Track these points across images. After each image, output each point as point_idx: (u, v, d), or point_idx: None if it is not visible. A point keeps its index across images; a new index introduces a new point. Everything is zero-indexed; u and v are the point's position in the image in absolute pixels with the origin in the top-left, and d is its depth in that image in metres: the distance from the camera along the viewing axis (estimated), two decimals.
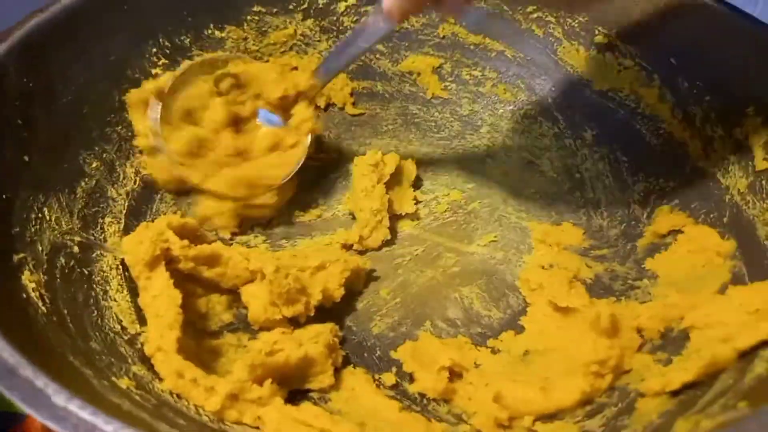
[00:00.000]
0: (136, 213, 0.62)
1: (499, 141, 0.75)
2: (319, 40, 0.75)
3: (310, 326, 0.56)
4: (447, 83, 0.77)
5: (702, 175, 0.61)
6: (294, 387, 0.52)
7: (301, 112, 0.66)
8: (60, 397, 0.33)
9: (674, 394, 0.44)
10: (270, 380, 0.48)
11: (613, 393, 0.49)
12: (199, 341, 0.53)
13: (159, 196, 0.65)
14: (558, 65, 0.72)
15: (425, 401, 0.53)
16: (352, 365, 0.56)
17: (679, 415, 0.41)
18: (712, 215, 0.59)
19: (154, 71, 0.67)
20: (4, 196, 0.50)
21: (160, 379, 0.47)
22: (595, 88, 0.70)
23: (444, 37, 0.76)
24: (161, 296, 0.51)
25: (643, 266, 0.61)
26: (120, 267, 0.56)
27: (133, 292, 0.55)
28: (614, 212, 0.66)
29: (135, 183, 0.64)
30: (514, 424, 0.49)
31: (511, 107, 0.75)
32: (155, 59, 0.67)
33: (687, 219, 0.60)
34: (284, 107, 0.67)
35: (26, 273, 0.47)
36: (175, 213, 0.65)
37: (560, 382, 0.49)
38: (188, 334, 0.51)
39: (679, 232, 0.60)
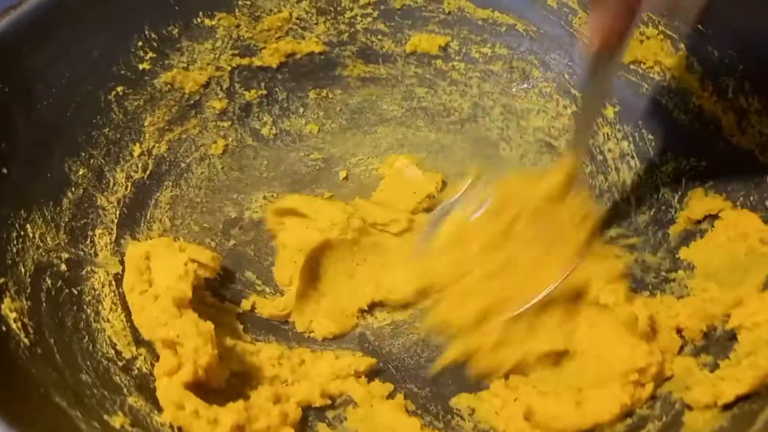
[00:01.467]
0: (129, 222, 0.59)
1: (513, 123, 0.71)
2: (316, 23, 0.71)
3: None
4: (455, 63, 0.72)
5: (738, 153, 0.57)
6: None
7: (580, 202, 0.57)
8: None
9: (726, 407, 0.40)
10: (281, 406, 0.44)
11: (654, 403, 0.45)
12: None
13: (153, 201, 0.62)
14: (574, 38, 0.68)
15: (449, 417, 0.50)
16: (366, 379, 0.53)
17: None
18: (751, 198, 0.55)
19: (141, 66, 0.63)
20: None
21: (159, 410, 0.43)
22: None
23: (450, 13, 0.72)
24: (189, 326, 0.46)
25: (677, 256, 0.57)
26: (113, 283, 0.53)
27: (129, 310, 0.51)
28: (642, 196, 0.63)
29: (126, 189, 0.61)
30: None
31: (524, 86, 0.71)
32: (142, 53, 0.64)
33: (724, 203, 0.56)
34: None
35: (6, 301, 0.44)
36: (170, 219, 0.62)
37: (596, 394, 0.46)
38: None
39: (716, 217, 0.56)
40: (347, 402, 0.52)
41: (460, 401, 0.53)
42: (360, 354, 0.56)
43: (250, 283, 0.61)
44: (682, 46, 0.61)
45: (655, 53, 0.63)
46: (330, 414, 0.51)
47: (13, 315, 0.43)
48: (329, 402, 0.52)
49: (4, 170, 0.50)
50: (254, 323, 0.58)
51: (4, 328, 0.42)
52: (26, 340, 0.42)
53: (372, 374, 0.55)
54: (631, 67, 0.64)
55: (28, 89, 0.55)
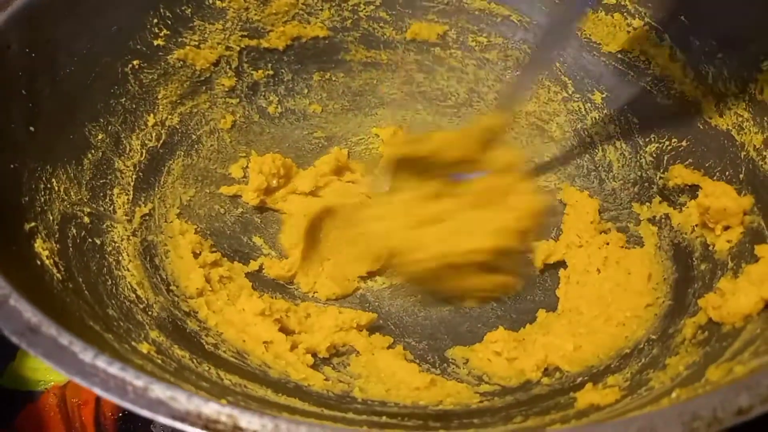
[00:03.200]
0: (144, 185, 0.62)
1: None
2: (321, 9, 0.73)
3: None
4: (452, 50, 0.76)
5: (716, 133, 0.60)
6: None
7: (504, 155, 0.60)
8: (87, 354, 0.32)
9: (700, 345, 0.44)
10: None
11: None
12: None
13: (166, 169, 0.64)
14: None
15: (444, 365, 0.53)
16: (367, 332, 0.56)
17: (707, 365, 0.41)
18: (727, 172, 0.58)
19: (156, 42, 0.65)
20: (12, 166, 0.49)
21: (179, 346, 0.46)
22: (603, 50, 0.69)
23: (448, 3, 0.74)
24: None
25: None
26: (131, 238, 0.56)
27: (147, 261, 0.54)
28: (627, 175, 0.66)
29: (141, 155, 0.63)
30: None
31: (518, 73, 0.74)
32: (157, 30, 0.65)
33: (702, 177, 0.59)
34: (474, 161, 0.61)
35: (38, 241, 0.46)
36: (183, 186, 0.65)
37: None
38: None
39: (697, 188, 0.59)
40: (350, 351, 0.55)
41: (455, 353, 0.56)
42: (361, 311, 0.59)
43: (257, 247, 0.64)
44: (666, 36, 0.64)
45: (640, 43, 0.65)
46: (334, 360, 0.54)
47: (45, 253, 0.45)
48: (334, 352, 0.55)
49: (32, 128, 0.52)
50: (262, 283, 0.61)
51: (39, 262, 0.44)
52: (59, 275, 0.45)
53: (372, 329, 0.58)
54: (619, 56, 0.67)
55: (53, 57, 0.56)
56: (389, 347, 0.56)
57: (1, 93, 0.51)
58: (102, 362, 0.32)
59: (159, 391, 0.31)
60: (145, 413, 0.31)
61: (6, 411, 0.59)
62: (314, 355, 0.53)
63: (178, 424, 0.31)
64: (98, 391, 0.31)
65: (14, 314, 0.34)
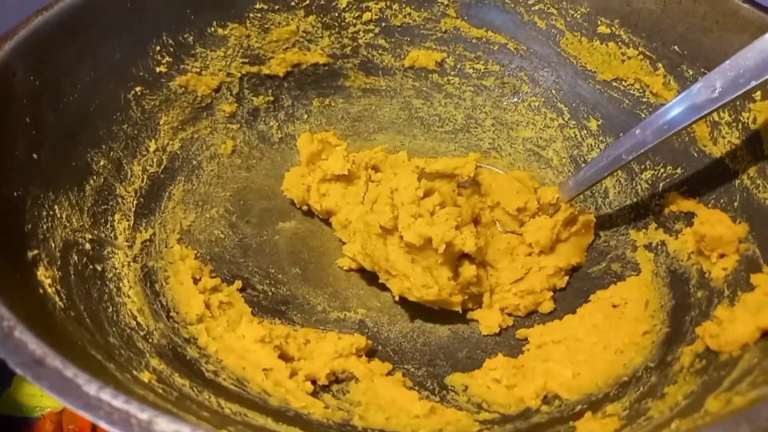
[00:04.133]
0: (145, 210, 0.62)
1: (503, 133, 0.76)
2: (321, 37, 0.74)
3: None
4: (450, 77, 0.77)
5: (710, 160, 0.61)
6: None
7: (538, 225, 0.64)
8: (91, 387, 0.33)
9: (698, 374, 0.45)
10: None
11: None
12: None
13: (167, 194, 0.65)
14: (561, 56, 0.72)
15: (444, 392, 0.53)
16: (366, 358, 0.57)
17: (706, 395, 0.41)
18: (722, 200, 0.59)
19: (158, 69, 0.66)
20: (15, 194, 0.49)
21: (180, 374, 0.46)
22: (599, 78, 0.70)
23: (446, 31, 0.75)
24: None
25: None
26: (132, 263, 0.56)
27: (148, 287, 0.54)
28: (623, 201, 0.67)
29: (143, 181, 0.63)
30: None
31: (514, 99, 0.76)
32: (159, 57, 0.66)
33: (697, 205, 0.60)
34: (521, 220, 0.66)
35: (41, 269, 0.47)
36: (183, 212, 0.65)
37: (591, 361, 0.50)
38: None
39: (692, 215, 0.60)
40: (349, 378, 0.55)
41: (454, 379, 0.56)
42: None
43: (254, 271, 0.65)
44: (660, 65, 0.65)
45: (635, 72, 0.67)
46: (334, 388, 0.54)
47: (48, 281, 0.46)
48: (333, 379, 0.55)
49: (35, 155, 0.53)
50: (260, 308, 0.61)
51: (41, 291, 0.44)
52: (60, 303, 0.45)
53: (371, 355, 0.58)
54: (614, 84, 0.69)
55: (56, 84, 0.57)
56: (388, 374, 0.56)
57: (7, 120, 0.51)
58: (106, 395, 0.32)
59: (164, 424, 0.32)
60: None
61: None
62: (314, 382, 0.53)
63: None
64: (103, 425, 0.31)
65: (20, 346, 0.35)
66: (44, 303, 0.43)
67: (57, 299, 0.45)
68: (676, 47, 0.64)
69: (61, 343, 0.39)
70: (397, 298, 0.59)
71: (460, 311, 0.59)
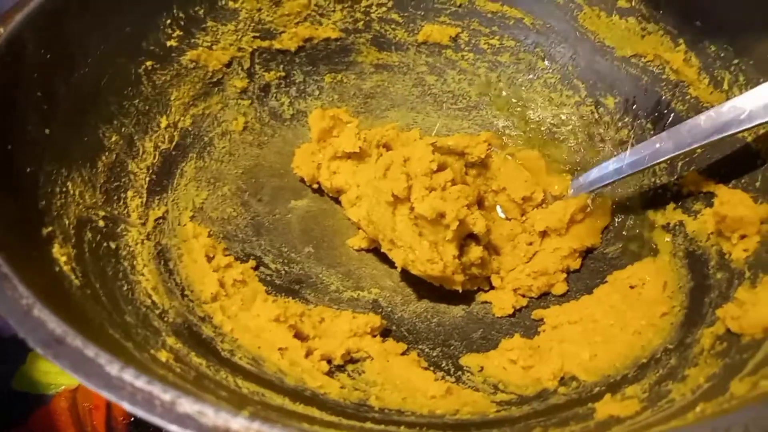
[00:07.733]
0: (158, 188, 0.61)
1: (518, 111, 0.74)
2: (333, 11, 0.73)
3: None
4: (464, 53, 0.75)
5: (731, 139, 0.59)
6: None
7: (540, 215, 0.65)
8: (113, 367, 0.32)
9: (720, 356, 0.44)
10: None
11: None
12: None
13: (179, 171, 0.64)
14: (579, 32, 0.71)
15: (459, 372, 0.53)
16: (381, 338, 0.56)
17: (729, 378, 0.41)
18: (743, 180, 0.57)
19: (168, 43, 0.65)
20: (28, 169, 0.49)
21: (195, 352, 0.46)
22: (617, 55, 0.69)
23: (461, 6, 0.74)
24: None
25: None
26: (145, 241, 0.55)
27: (162, 265, 0.54)
28: (640, 181, 0.66)
29: (154, 158, 0.63)
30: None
31: (530, 76, 0.74)
32: (170, 31, 0.65)
33: (717, 185, 0.59)
34: (524, 209, 0.67)
35: (56, 246, 0.46)
36: (195, 189, 0.64)
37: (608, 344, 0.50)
38: None
39: (712, 195, 0.59)
40: (364, 358, 0.55)
41: (470, 360, 0.56)
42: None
43: (267, 250, 0.65)
44: (681, 41, 0.63)
45: (654, 48, 0.65)
46: (349, 368, 0.54)
47: (63, 258, 0.45)
48: (348, 358, 0.55)
49: (47, 130, 0.52)
50: (274, 287, 0.61)
51: (57, 268, 0.44)
52: (77, 281, 0.44)
53: (386, 335, 0.58)
54: (632, 60, 0.67)
55: (68, 58, 0.56)
56: (403, 354, 0.56)
57: (19, 94, 0.50)
58: (128, 375, 0.32)
59: (187, 405, 0.31)
60: (173, 428, 0.30)
61: (17, 414, 0.59)
62: (329, 361, 0.53)
63: None
64: (126, 406, 0.31)
65: (39, 325, 0.34)
66: (61, 281, 0.43)
67: (73, 277, 0.45)
68: (698, 22, 0.62)
69: (79, 321, 0.38)
70: (399, 269, 0.58)
71: (460, 290, 0.59)
